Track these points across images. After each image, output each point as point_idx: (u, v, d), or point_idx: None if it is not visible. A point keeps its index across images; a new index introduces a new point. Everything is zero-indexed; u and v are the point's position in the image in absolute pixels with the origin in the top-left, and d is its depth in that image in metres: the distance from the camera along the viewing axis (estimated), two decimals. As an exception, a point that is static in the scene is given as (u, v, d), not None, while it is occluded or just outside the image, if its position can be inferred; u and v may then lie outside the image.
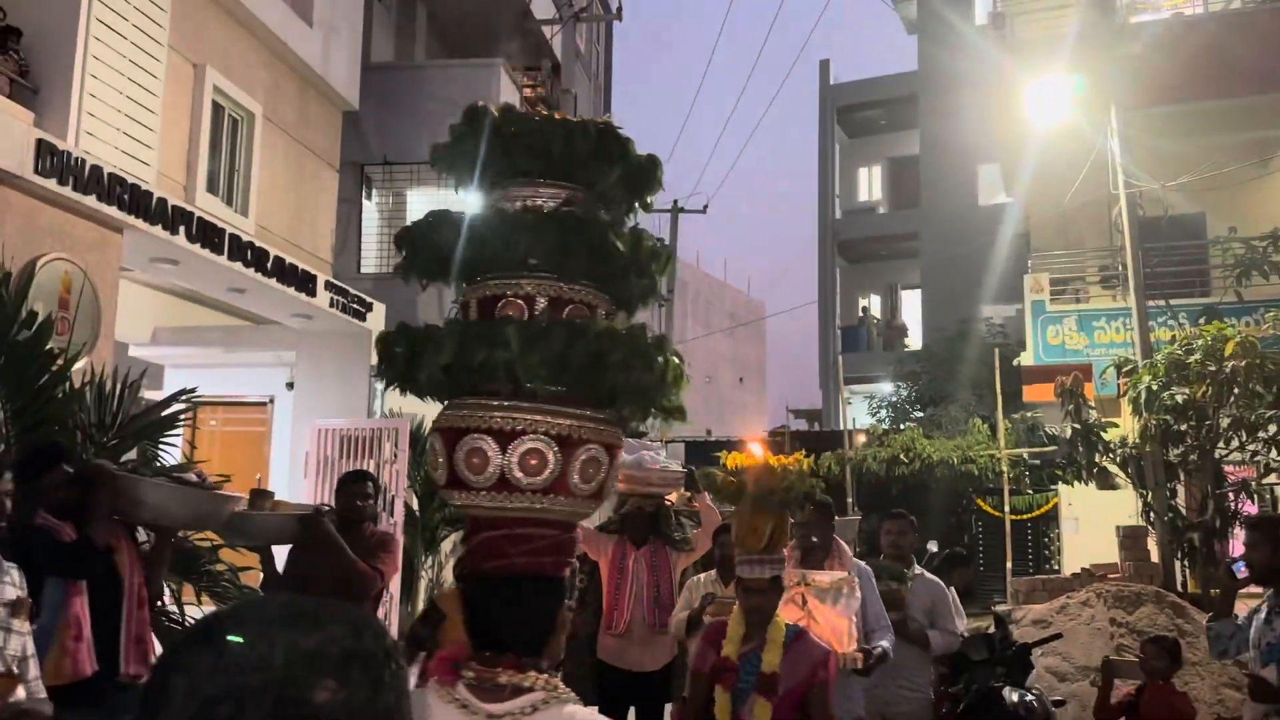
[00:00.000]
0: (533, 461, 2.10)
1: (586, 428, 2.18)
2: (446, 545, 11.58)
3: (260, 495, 4.45)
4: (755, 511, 3.57)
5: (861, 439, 17.87)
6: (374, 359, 9.78)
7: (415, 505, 10.35)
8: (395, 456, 9.51)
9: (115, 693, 3.57)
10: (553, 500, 2.10)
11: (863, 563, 4.97)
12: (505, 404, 2.14)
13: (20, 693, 2.76)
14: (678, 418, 2.41)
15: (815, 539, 4.64)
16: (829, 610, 4.25)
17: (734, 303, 34.23)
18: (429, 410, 10.15)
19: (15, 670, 2.98)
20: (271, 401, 10.83)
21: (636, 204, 2.64)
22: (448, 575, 11.60)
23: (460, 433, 2.13)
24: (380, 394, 10.65)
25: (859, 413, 21.50)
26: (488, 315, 2.31)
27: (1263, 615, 3.99)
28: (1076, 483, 12.12)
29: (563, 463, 2.12)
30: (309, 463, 9.21)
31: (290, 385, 10.63)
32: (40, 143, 5.87)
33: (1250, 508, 9.24)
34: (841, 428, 17.38)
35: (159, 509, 3.72)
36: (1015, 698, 4.65)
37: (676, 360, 2.31)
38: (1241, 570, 4.68)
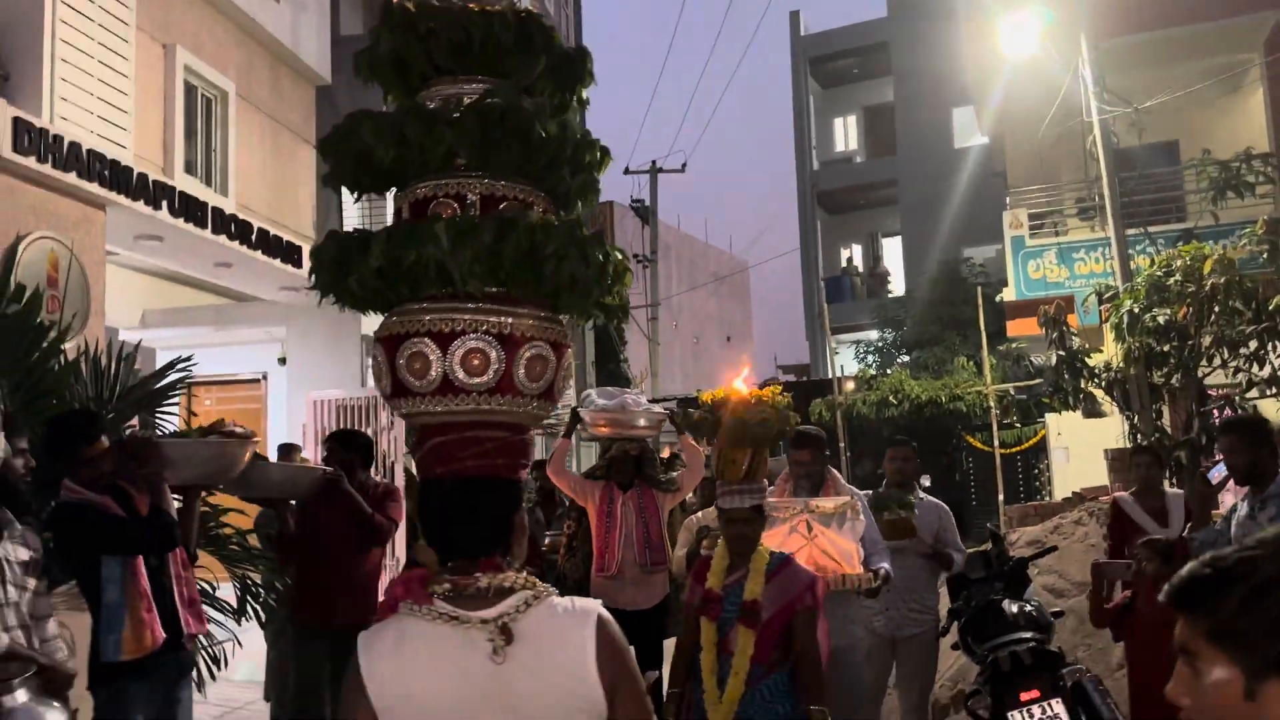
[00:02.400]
0: (475, 361, 2.06)
1: (528, 325, 2.14)
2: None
3: (289, 449, 4.52)
4: (733, 443, 3.59)
5: (850, 386, 18.04)
6: (364, 329, 9.76)
7: (414, 470, 10.43)
8: (391, 424, 9.57)
9: (180, 654, 3.66)
10: (499, 400, 2.07)
11: (857, 490, 5.04)
12: (443, 306, 2.11)
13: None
14: (619, 316, 2.38)
15: (810, 473, 4.66)
16: (835, 535, 4.28)
17: (717, 262, 34.22)
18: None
19: (30, 625, 3.03)
20: (265, 378, 10.87)
21: (569, 98, 2.52)
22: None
23: (400, 339, 2.10)
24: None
25: (846, 360, 21.66)
26: (420, 219, 2.24)
27: (1243, 512, 4.02)
28: (1063, 412, 12.32)
29: (506, 361, 2.08)
30: (307, 435, 9.27)
31: (282, 361, 10.67)
32: (17, 121, 5.86)
33: (1234, 423, 9.38)
34: (830, 375, 17.53)
35: (185, 469, 3.74)
36: (1015, 609, 4.72)
37: (620, 255, 2.27)
38: (1215, 476, 4.78)
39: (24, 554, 3.04)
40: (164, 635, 3.49)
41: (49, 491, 3.38)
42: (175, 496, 3.67)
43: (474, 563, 1.79)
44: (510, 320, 2.10)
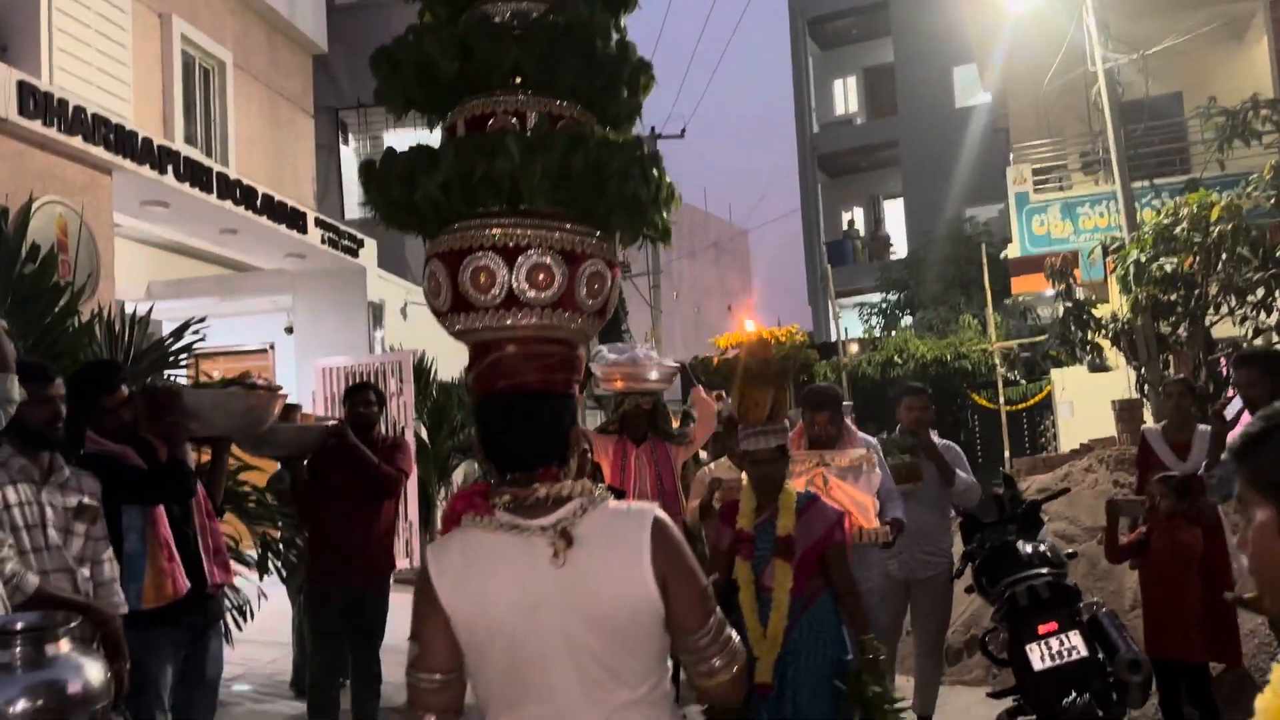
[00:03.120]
0: (540, 276, 2.06)
1: (589, 242, 2.15)
2: (459, 475, 11.74)
3: (289, 409, 4.54)
4: (754, 385, 3.63)
5: (854, 348, 18.05)
6: (370, 295, 9.79)
7: (425, 436, 10.47)
8: (400, 389, 9.60)
9: (207, 603, 3.68)
10: (560, 316, 2.08)
11: (871, 438, 5.06)
12: (508, 220, 2.11)
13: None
14: (666, 240, 2.38)
15: (828, 432, 4.66)
16: (850, 488, 4.29)
17: (717, 231, 34.13)
18: (431, 344, 10.15)
19: (81, 571, 3.05)
20: (272, 348, 10.89)
21: (620, 13, 2.49)
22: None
23: (463, 254, 2.09)
24: (379, 332, 10.71)
25: (850, 323, 21.66)
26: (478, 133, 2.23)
27: None
28: (1068, 367, 12.34)
29: (569, 277, 2.10)
30: (316, 402, 9.30)
31: (289, 330, 10.68)
32: (21, 84, 5.84)
33: (1241, 372, 9.40)
34: (834, 339, 17.53)
35: (215, 420, 3.76)
36: (1029, 549, 4.75)
37: (669, 180, 2.28)
38: (1230, 412, 4.79)
39: (72, 500, 3.05)
40: (187, 585, 3.51)
41: (75, 442, 3.40)
42: (205, 449, 3.68)
43: (533, 475, 1.83)
44: (573, 236, 2.11)
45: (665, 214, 2.30)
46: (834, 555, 3.46)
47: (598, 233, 2.18)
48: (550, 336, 2.08)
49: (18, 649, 2.51)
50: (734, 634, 1.86)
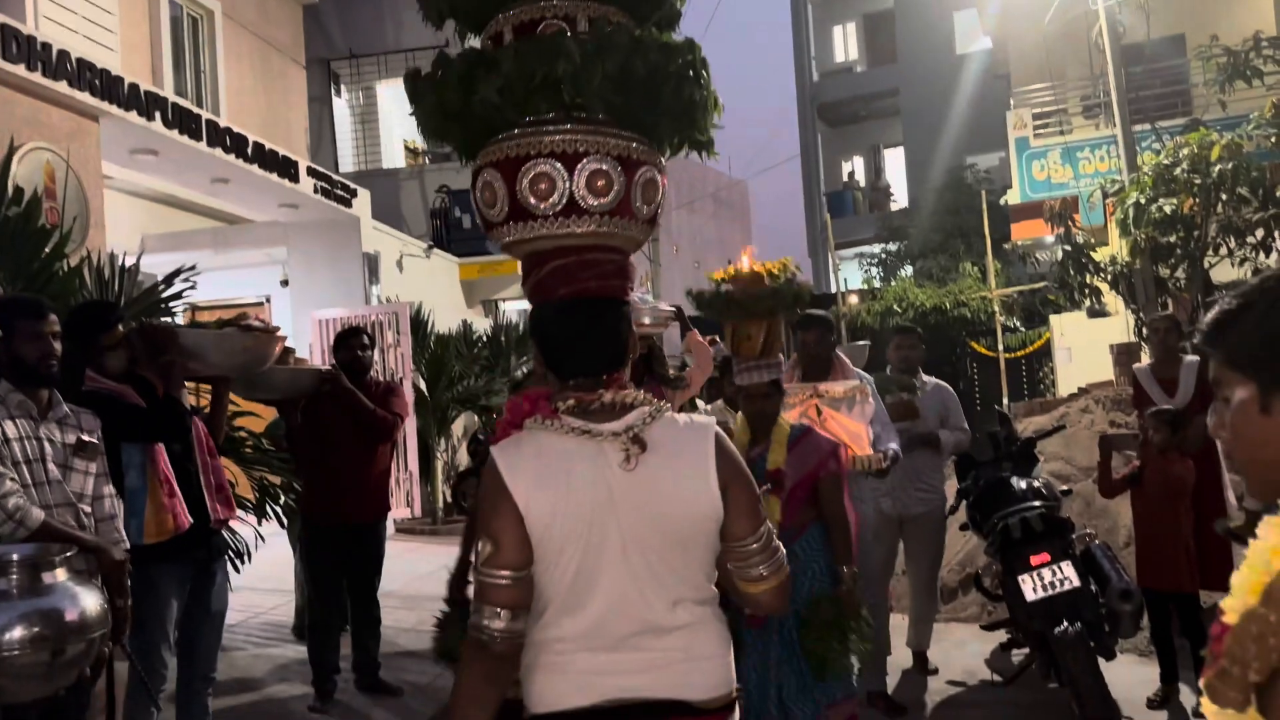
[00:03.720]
0: (600, 183, 2.04)
1: (641, 149, 2.14)
2: (457, 427, 11.77)
3: (285, 352, 4.54)
4: (747, 318, 3.61)
5: (854, 300, 18.00)
6: (365, 246, 9.68)
7: (424, 387, 10.47)
8: (398, 340, 9.59)
9: (210, 538, 3.72)
10: (616, 223, 2.06)
11: (865, 373, 5.05)
12: (565, 127, 2.09)
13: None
14: (710, 149, 2.34)
15: (816, 355, 4.68)
16: (844, 418, 4.30)
17: (716, 185, 33.89)
18: (427, 296, 10.10)
19: (83, 507, 3.06)
20: (268, 300, 10.85)
21: None
22: (462, 457, 11.82)
23: (520, 161, 2.07)
24: (374, 283, 10.67)
25: (850, 274, 21.58)
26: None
27: None
28: (1067, 313, 12.31)
29: (626, 183, 2.09)
30: (312, 354, 9.29)
31: (284, 283, 10.63)
32: (4, 28, 5.75)
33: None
34: (834, 290, 17.48)
35: (213, 359, 3.77)
36: (1023, 484, 4.77)
37: (713, 87, 2.24)
38: None
39: (71, 436, 3.06)
40: (189, 520, 3.53)
41: (74, 380, 3.41)
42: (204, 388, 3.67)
43: (597, 380, 1.88)
44: (629, 143, 2.09)
45: (710, 122, 2.25)
46: (826, 485, 3.46)
47: (646, 140, 2.15)
48: (606, 244, 2.06)
49: (14, 576, 2.52)
50: (781, 546, 1.92)
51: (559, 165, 1.99)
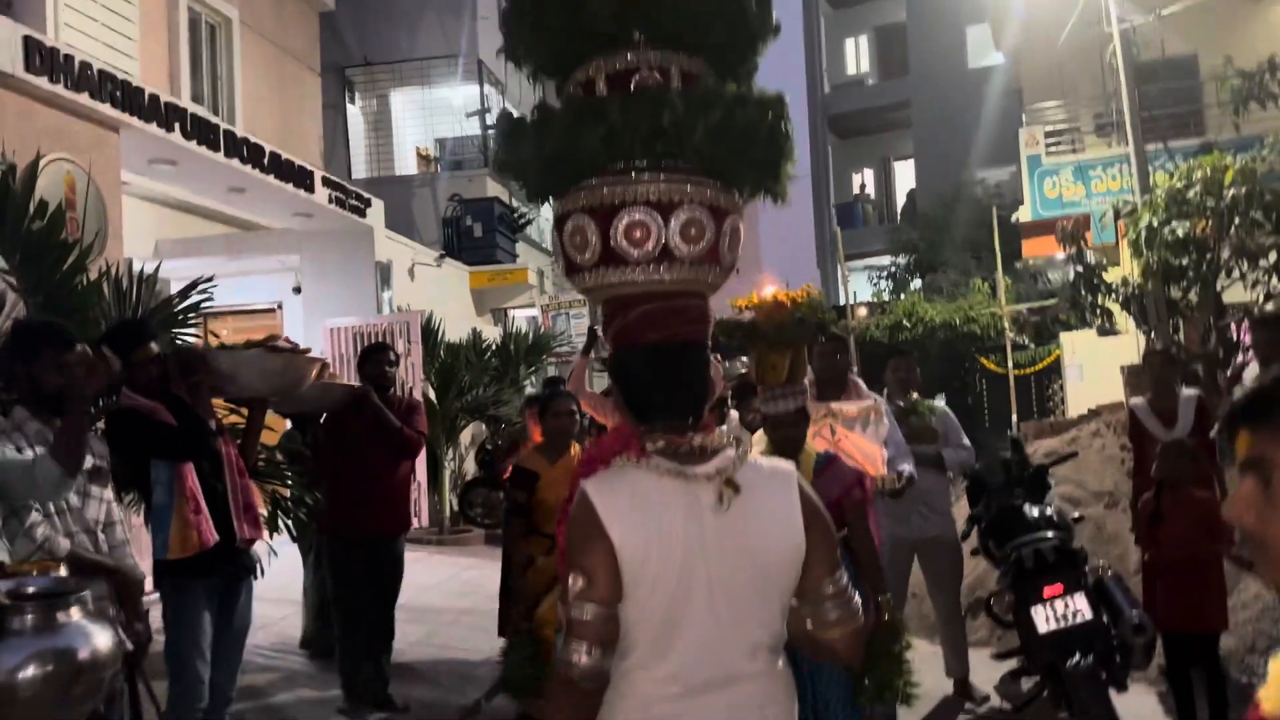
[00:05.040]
0: (693, 231, 2.07)
1: (728, 198, 2.19)
2: (465, 436, 11.79)
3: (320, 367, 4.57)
4: (772, 347, 3.64)
5: (863, 312, 17.98)
6: (378, 255, 9.71)
7: (433, 396, 10.50)
8: (409, 349, 9.62)
9: (236, 557, 3.75)
10: (704, 270, 2.12)
11: (877, 394, 5.07)
12: (660, 176, 2.13)
13: (62, 570, 2.81)
14: (784, 198, 2.38)
15: (830, 368, 4.71)
16: (859, 438, 4.32)
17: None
18: (437, 306, 10.14)
19: (99, 533, 3.09)
20: (280, 307, 10.90)
21: None
22: (469, 467, 11.84)
23: (615, 209, 2.11)
24: (388, 292, 10.70)
25: (859, 286, 21.56)
26: (618, 92, 2.21)
27: None
28: (1077, 331, 12.29)
29: (715, 232, 2.13)
30: (324, 362, 9.33)
31: (297, 290, 10.67)
32: (27, 40, 5.79)
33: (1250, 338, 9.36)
34: (843, 302, 17.45)
35: (248, 381, 3.80)
36: (1035, 512, 4.77)
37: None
38: (1246, 377, 4.76)
39: (87, 462, 3.06)
40: (215, 537, 3.55)
41: (110, 396, 3.47)
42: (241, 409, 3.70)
43: (685, 423, 1.91)
44: (718, 193, 2.14)
45: (788, 172, 2.29)
46: (853, 514, 3.49)
47: (729, 188, 2.20)
48: (691, 290, 2.10)
49: (29, 616, 2.53)
50: (857, 595, 1.92)
51: (655, 213, 2.02)
